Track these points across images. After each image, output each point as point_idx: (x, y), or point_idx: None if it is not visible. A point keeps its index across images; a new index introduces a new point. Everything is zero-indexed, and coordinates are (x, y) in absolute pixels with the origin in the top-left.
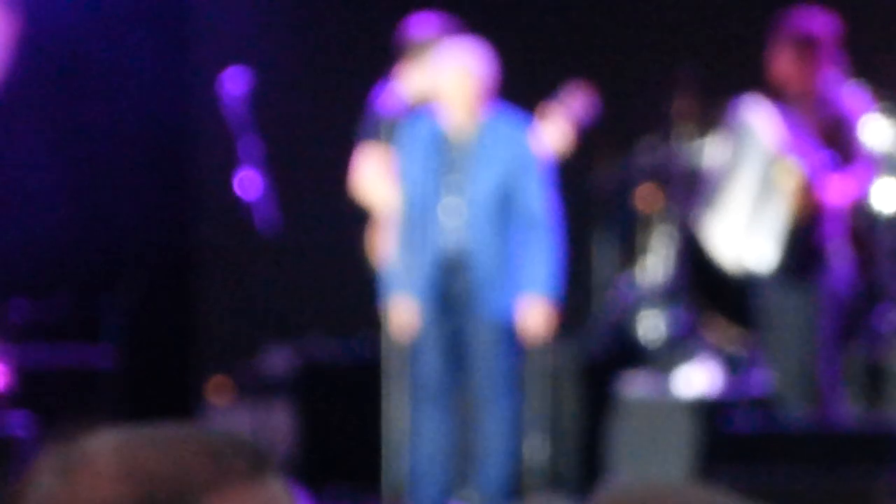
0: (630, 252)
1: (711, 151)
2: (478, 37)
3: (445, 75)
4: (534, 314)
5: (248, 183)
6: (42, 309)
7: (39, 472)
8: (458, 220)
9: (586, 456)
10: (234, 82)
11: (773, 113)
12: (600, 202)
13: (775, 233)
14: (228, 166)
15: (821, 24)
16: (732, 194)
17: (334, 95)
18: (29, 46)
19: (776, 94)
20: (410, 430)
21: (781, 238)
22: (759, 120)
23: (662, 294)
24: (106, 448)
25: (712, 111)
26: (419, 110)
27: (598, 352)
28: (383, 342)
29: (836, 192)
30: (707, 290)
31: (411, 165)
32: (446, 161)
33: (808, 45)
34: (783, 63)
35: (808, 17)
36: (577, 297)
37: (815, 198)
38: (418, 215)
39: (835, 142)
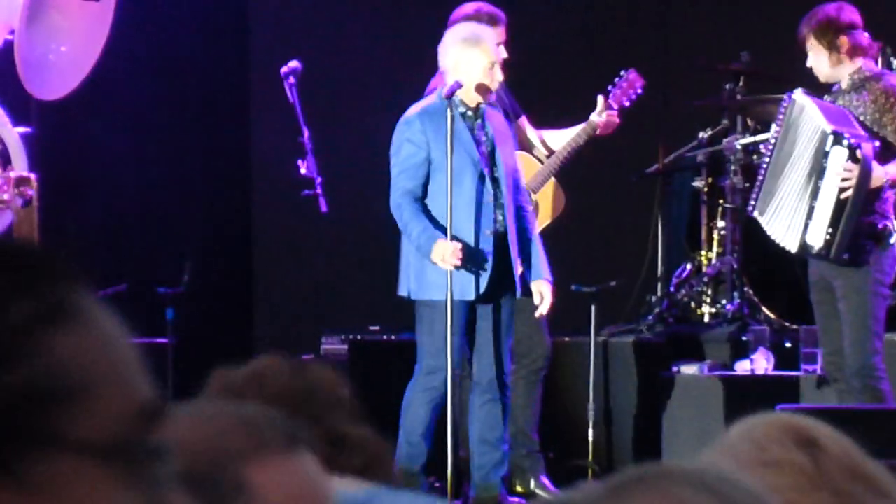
0: (691, 238)
1: (769, 139)
2: (531, 27)
3: (467, 54)
4: (547, 296)
5: (306, 171)
6: (102, 301)
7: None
8: (497, 199)
9: (643, 436)
10: (291, 72)
11: (824, 103)
12: (663, 188)
13: (831, 217)
14: (286, 157)
15: (850, 13)
16: (790, 181)
17: (390, 83)
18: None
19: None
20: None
21: (837, 222)
22: (813, 108)
23: (721, 279)
24: None
25: (769, 100)
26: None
27: (658, 334)
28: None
29: (887, 176)
30: (760, 279)
31: (443, 144)
32: (475, 140)
33: (839, 35)
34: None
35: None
36: (641, 281)
37: (868, 181)
38: (465, 194)
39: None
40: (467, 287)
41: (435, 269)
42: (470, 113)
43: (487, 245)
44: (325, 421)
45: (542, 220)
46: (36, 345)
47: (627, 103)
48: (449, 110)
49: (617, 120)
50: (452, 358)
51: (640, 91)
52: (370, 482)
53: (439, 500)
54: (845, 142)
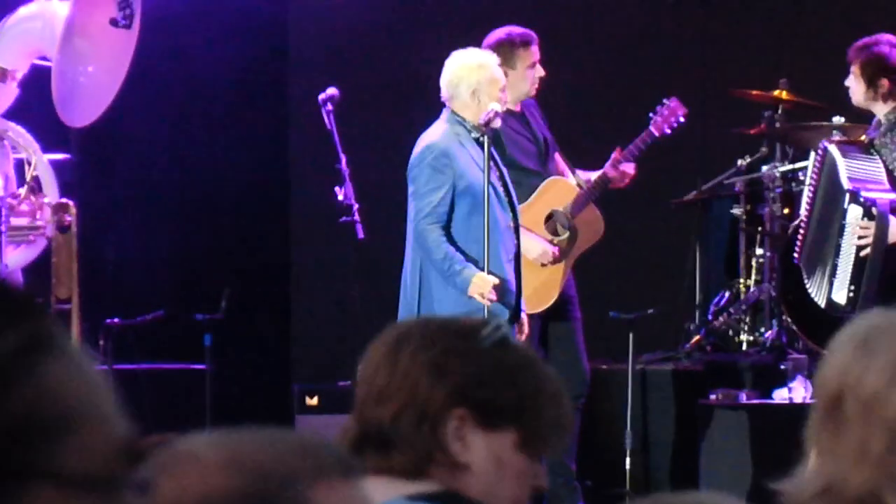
0: (729, 265)
1: (805, 190)
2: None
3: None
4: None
5: (343, 198)
6: (140, 328)
7: (145, 469)
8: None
9: (680, 465)
10: (328, 98)
11: (854, 154)
12: (702, 216)
13: (851, 275)
14: (324, 183)
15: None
16: (818, 237)
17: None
18: (141, 77)
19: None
20: None
21: (858, 279)
22: (840, 164)
23: (760, 306)
24: (209, 444)
25: (808, 127)
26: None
27: (696, 361)
28: None
29: None
30: (799, 307)
31: (466, 171)
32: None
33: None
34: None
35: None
36: (679, 308)
37: (885, 238)
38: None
39: None
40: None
41: (458, 300)
42: (482, 138)
43: (510, 273)
44: None
45: (586, 241)
46: (27, 373)
47: (668, 131)
48: (486, 139)
49: (632, 172)
50: None
51: (681, 119)
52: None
53: None
54: (861, 199)
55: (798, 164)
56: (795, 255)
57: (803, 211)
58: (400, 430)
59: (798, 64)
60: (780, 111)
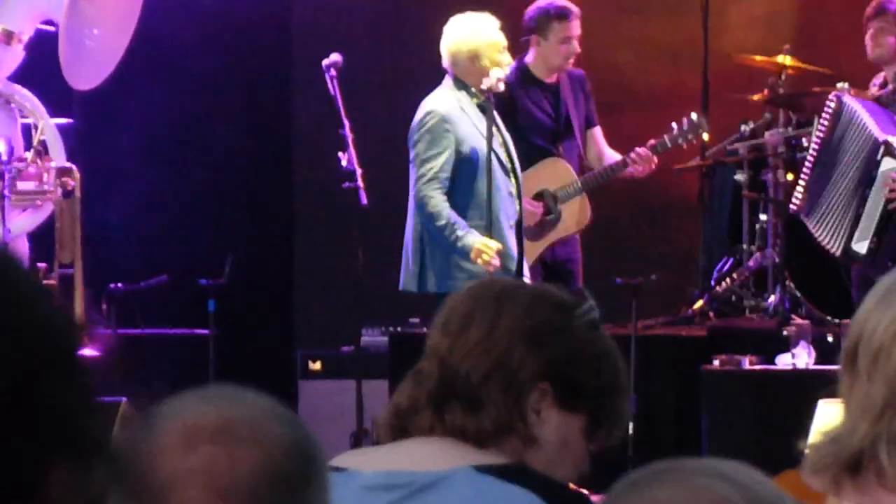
0: (733, 232)
1: (814, 137)
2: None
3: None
4: None
5: (346, 164)
6: (143, 293)
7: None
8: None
9: (683, 430)
10: (332, 65)
11: (872, 106)
12: (705, 182)
13: (876, 226)
14: (327, 149)
15: None
16: (839, 187)
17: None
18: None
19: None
20: None
21: (882, 231)
22: (864, 114)
23: (763, 273)
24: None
25: (812, 93)
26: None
27: (699, 327)
28: None
29: None
30: (802, 273)
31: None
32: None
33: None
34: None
35: None
36: (683, 275)
37: None
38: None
39: None
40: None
41: (461, 263)
42: (485, 104)
43: (512, 239)
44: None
45: (565, 229)
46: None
47: (685, 146)
48: (489, 105)
49: (653, 166)
50: None
51: (702, 137)
52: None
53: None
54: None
55: (801, 131)
56: (794, 204)
57: (808, 160)
58: (489, 391)
59: (802, 30)
60: (783, 77)
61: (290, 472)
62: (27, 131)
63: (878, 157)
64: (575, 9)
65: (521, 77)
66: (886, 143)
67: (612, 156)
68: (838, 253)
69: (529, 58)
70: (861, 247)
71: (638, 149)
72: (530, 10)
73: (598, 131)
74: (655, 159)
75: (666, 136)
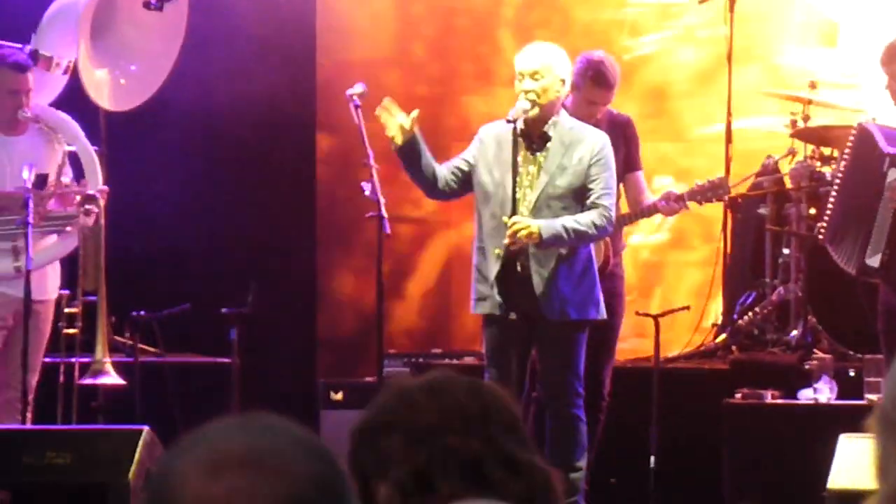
0: (756, 265)
1: (838, 169)
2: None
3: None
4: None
5: (370, 193)
6: (166, 321)
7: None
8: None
9: (705, 464)
10: (356, 94)
11: (888, 129)
12: (728, 214)
13: (888, 237)
14: (351, 178)
15: None
16: (854, 207)
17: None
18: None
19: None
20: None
21: (894, 242)
22: (876, 134)
23: (785, 307)
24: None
25: (836, 127)
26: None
27: (721, 361)
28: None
29: None
30: (824, 307)
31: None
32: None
33: None
34: None
35: None
36: (706, 307)
37: None
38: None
39: None
40: (483, 303)
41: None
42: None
43: (493, 267)
44: (497, 443)
45: None
46: None
47: (703, 203)
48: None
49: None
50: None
51: (723, 198)
52: None
53: None
54: None
55: (826, 165)
56: (821, 235)
57: (833, 190)
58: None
59: (827, 63)
60: (808, 111)
61: None
62: (75, 158)
63: (885, 168)
64: (613, 78)
65: None
66: (892, 156)
67: (650, 200)
68: (854, 271)
69: (568, 101)
70: (874, 261)
71: (670, 191)
72: (578, 58)
73: (639, 176)
74: (687, 206)
75: (686, 192)
